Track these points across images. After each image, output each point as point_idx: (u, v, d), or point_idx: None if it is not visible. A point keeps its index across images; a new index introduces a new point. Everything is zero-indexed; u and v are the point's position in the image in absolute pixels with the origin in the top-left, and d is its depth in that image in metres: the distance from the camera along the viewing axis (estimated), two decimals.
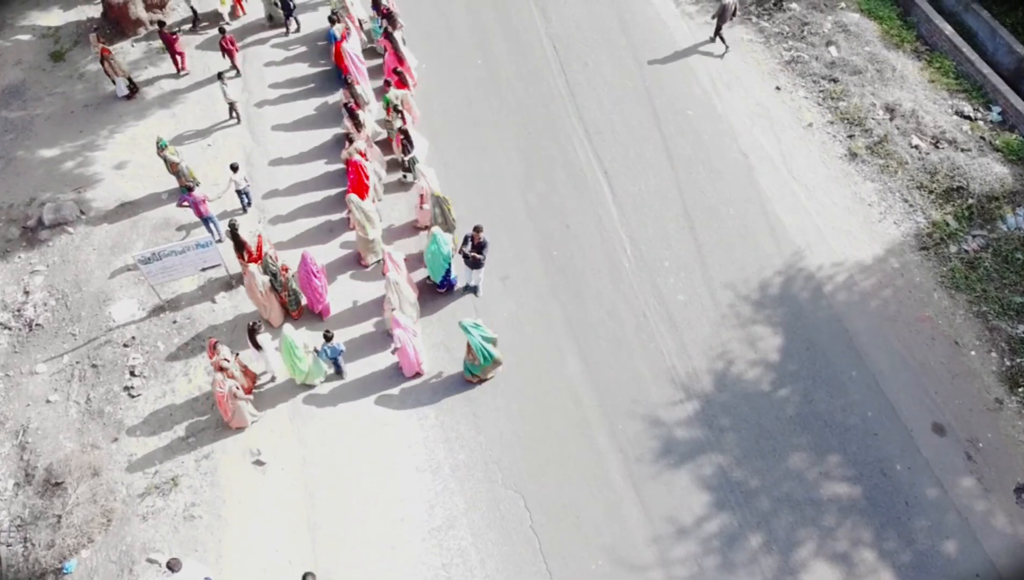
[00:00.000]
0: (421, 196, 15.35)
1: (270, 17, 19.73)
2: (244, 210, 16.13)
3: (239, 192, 15.69)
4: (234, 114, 17.16)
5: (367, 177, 15.27)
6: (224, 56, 18.38)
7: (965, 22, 19.99)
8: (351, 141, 15.73)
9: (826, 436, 13.30)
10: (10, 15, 20.04)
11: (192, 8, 19.39)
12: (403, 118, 16.08)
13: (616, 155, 17.19)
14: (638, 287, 15.21)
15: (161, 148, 15.78)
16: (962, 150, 16.90)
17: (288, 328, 13.40)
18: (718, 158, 17.13)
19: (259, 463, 13.07)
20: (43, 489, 12.80)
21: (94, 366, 14.25)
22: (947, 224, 15.98)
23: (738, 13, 19.32)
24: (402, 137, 15.87)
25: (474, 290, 15.09)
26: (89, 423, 13.59)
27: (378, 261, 15.35)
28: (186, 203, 15.42)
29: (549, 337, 14.57)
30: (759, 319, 14.80)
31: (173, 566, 10.82)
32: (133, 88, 18.33)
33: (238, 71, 18.70)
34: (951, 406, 13.68)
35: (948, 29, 19.37)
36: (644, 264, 15.52)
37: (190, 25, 19.67)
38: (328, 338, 13.25)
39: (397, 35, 17.49)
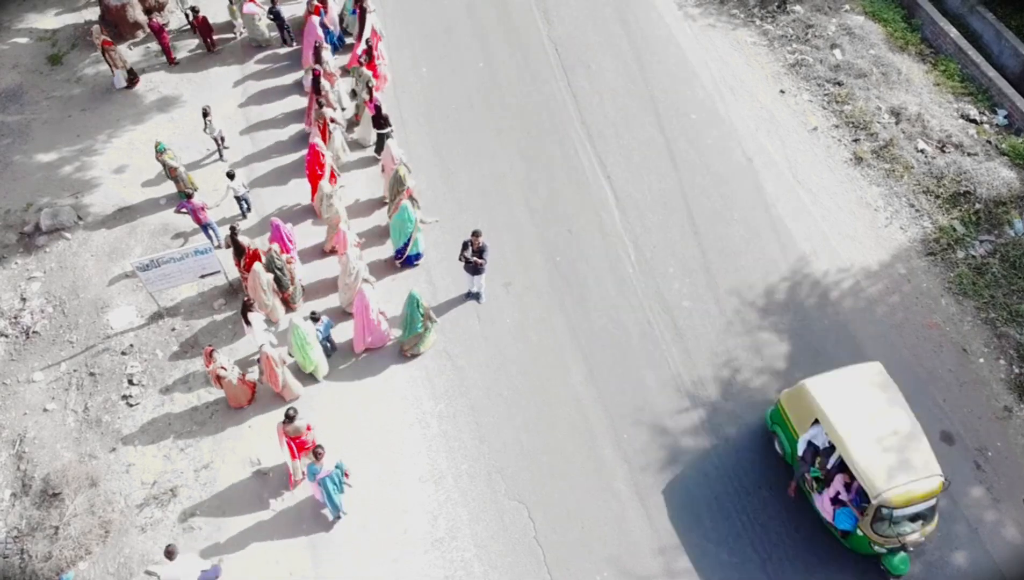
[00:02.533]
0: (384, 167, 15.81)
1: (257, 42, 19.21)
2: (244, 216, 15.96)
3: (238, 198, 15.51)
4: (220, 149, 16.87)
5: (322, 164, 15.50)
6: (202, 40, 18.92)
7: (970, 25, 19.84)
8: (321, 105, 16.02)
9: None
10: (7, 18, 19.86)
11: (186, 13, 19.08)
12: (371, 94, 16.26)
13: (619, 159, 17.02)
14: (642, 293, 15.04)
15: (160, 152, 15.61)
16: (968, 154, 16.74)
17: (297, 318, 13.37)
18: (722, 162, 16.97)
19: (260, 473, 12.90)
20: (40, 500, 12.62)
21: (92, 374, 14.07)
22: (954, 229, 15.82)
23: None
24: (375, 109, 16.14)
25: (476, 297, 14.93)
26: (87, 432, 13.41)
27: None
28: (184, 210, 15.24)
29: (553, 345, 14.40)
30: (765, 326, 14.64)
31: (170, 552, 10.66)
32: (132, 79, 18.24)
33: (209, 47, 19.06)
34: (959, 414, 13.52)
35: (953, 32, 19.22)
36: (648, 270, 15.35)
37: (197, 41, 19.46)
38: (315, 318, 13.51)
39: (370, 20, 17.61)
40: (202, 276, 14.43)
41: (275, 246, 14.16)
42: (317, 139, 15.69)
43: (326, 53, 17.32)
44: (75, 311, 14.88)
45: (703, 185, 16.60)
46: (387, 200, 15.87)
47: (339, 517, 12.36)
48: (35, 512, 12.50)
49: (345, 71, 18.12)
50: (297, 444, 12.37)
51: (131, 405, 13.68)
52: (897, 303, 14.96)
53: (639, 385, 13.90)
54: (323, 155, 15.52)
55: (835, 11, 19.62)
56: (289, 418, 12.02)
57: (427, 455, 13.09)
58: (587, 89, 18.29)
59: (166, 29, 18.69)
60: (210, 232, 15.50)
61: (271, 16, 18.72)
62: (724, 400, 13.72)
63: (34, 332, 14.64)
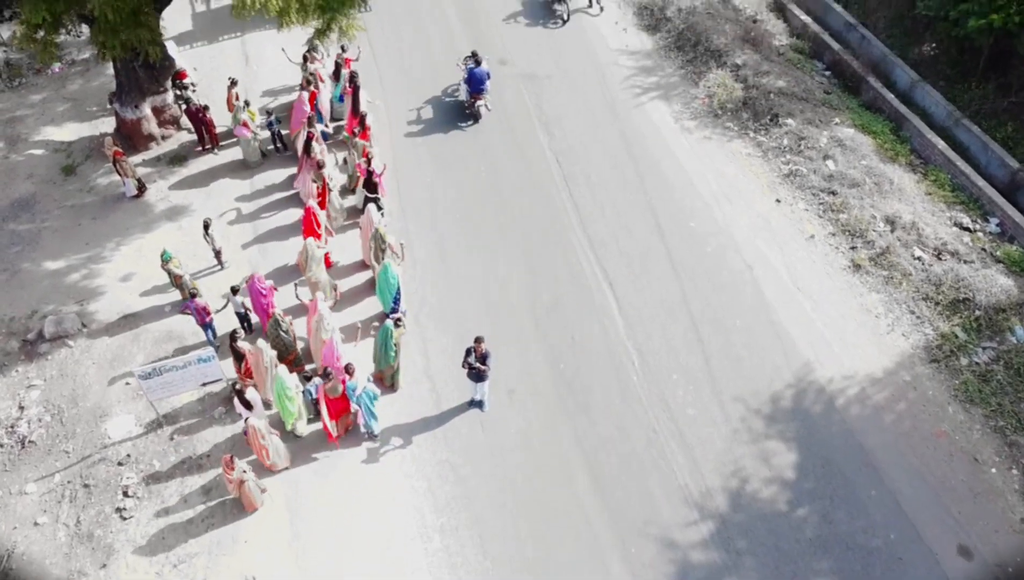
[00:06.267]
0: (362, 227, 16.61)
1: (249, 162, 19.60)
2: (246, 331, 15.81)
3: (238, 314, 15.54)
4: (220, 261, 17.17)
5: (318, 223, 16.32)
6: (205, 134, 19.56)
7: (956, 136, 20.52)
8: (320, 166, 17.03)
9: (849, 560, 12.74)
10: (25, 131, 20.50)
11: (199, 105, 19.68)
12: (368, 161, 17.24)
13: (621, 266, 17.24)
14: (647, 401, 14.93)
15: (165, 261, 15.80)
16: (965, 261, 16.98)
17: (282, 369, 13.62)
18: (722, 269, 17.18)
19: None
20: None
21: (86, 486, 13.76)
22: (956, 336, 15.87)
23: None
24: (366, 174, 17.09)
25: (479, 405, 14.79)
26: (77, 547, 12.99)
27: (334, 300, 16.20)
28: (188, 310, 15.38)
29: (557, 453, 14.18)
30: (772, 434, 14.46)
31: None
32: (141, 188, 18.69)
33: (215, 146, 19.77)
34: (976, 527, 13.18)
35: (941, 144, 19.86)
36: (652, 377, 15.29)
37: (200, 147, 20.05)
38: (307, 378, 13.81)
39: (363, 97, 18.84)
40: (204, 384, 14.37)
41: (278, 310, 14.73)
42: (312, 201, 16.57)
43: (319, 127, 18.28)
44: (73, 420, 14.70)
45: (704, 292, 16.74)
46: (368, 261, 16.62)
47: (375, 436, 14.16)
48: None
49: (340, 143, 19.24)
50: (333, 406, 13.62)
51: (125, 518, 13.32)
52: (904, 411, 14.83)
53: (646, 496, 13.60)
54: (317, 216, 16.27)
55: (826, 124, 20.32)
56: (327, 376, 13.46)
57: (429, 572, 12.66)
58: (588, 198, 18.72)
59: (207, 114, 19.38)
60: (210, 334, 15.55)
61: (267, 125, 19.34)
62: (733, 512, 13.40)
63: (30, 442, 14.41)
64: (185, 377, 13.97)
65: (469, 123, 20.68)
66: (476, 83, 19.90)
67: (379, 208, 16.93)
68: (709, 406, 14.87)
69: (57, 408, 14.89)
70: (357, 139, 18.15)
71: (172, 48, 20.65)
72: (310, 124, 18.03)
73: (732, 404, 14.90)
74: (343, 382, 13.55)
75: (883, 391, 15.12)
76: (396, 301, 15.63)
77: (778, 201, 18.79)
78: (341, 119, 19.93)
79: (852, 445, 14.28)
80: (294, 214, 18.29)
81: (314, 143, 17.59)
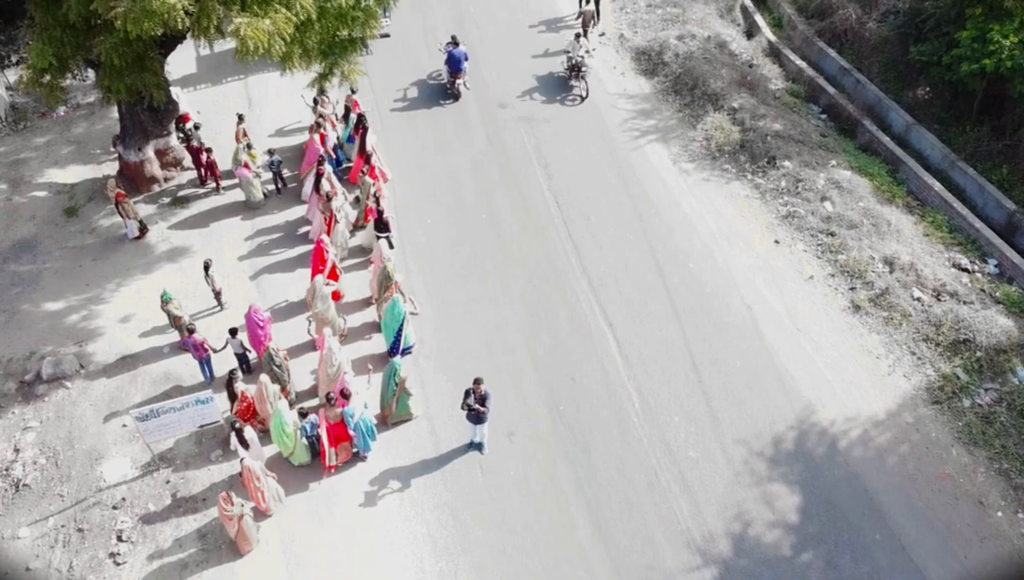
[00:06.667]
0: (373, 263, 17.00)
1: (251, 203, 19.73)
2: (245, 372, 15.73)
3: (237, 355, 15.50)
4: (220, 302, 17.19)
5: (325, 258, 16.56)
6: (206, 175, 19.90)
7: (952, 178, 20.72)
8: (329, 199, 17.50)
9: None
10: (29, 173, 20.66)
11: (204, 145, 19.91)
12: (377, 201, 17.79)
13: (621, 307, 17.23)
14: (648, 443, 14.80)
15: (165, 302, 15.81)
16: (964, 302, 16.99)
17: (283, 403, 13.81)
18: (722, 310, 17.18)
19: None
20: None
21: (80, 530, 13.56)
22: (957, 377, 15.80)
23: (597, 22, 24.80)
24: (376, 214, 17.58)
25: (479, 447, 14.66)
26: None
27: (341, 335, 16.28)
28: (185, 346, 15.45)
29: (558, 497, 14.01)
30: (775, 477, 14.30)
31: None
32: (143, 230, 18.79)
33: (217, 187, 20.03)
34: (984, 573, 12.97)
35: (937, 185, 20.03)
36: (653, 419, 15.18)
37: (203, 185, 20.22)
38: (303, 415, 13.89)
39: (370, 139, 19.26)
40: (201, 426, 14.26)
41: (272, 344, 14.85)
42: (324, 235, 17.02)
43: (328, 166, 18.67)
44: (68, 462, 14.55)
45: (704, 333, 16.71)
46: (375, 298, 16.70)
47: (365, 456, 14.37)
48: None
49: (349, 183, 19.55)
50: (333, 432, 13.80)
51: (118, 563, 13.10)
52: (907, 453, 14.70)
53: (648, 540, 13.40)
54: (327, 251, 16.56)
55: (823, 166, 20.51)
56: (330, 400, 13.77)
57: None
58: (587, 239, 18.80)
59: (211, 156, 19.68)
60: (206, 369, 15.53)
61: (269, 165, 19.51)
62: (737, 557, 13.19)
63: (24, 485, 14.24)
64: (182, 419, 13.88)
65: (450, 101, 22.78)
66: (455, 63, 22.20)
67: (391, 245, 17.25)
68: (711, 448, 14.74)
69: (53, 450, 14.75)
70: (366, 177, 18.60)
71: (176, 91, 20.95)
72: (320, 163, 18.46)
73: (734, 446, 14.78)
74: (341, 406, 13.78)
75: (886, 433, 15.01)
76: (397, 338, 15.68)
77: (777, 242, 18.87)
78: (351, 160, 20.30)
79: (856, 488, 14.12)
80: (294, 254, 18.40)
81: (323, 180, 18.01)
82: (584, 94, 22.83)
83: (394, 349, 15.77)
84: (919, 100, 23.56)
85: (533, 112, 22.39)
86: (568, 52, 23.08)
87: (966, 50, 20.20)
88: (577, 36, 22.81)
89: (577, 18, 24.92)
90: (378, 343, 16.43)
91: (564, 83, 23.19)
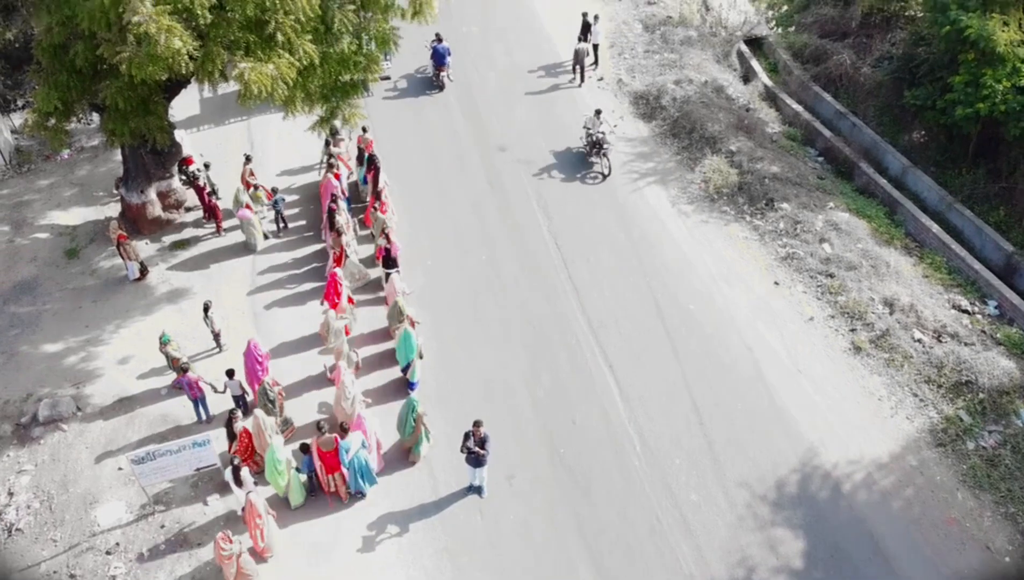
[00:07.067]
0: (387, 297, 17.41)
1: (252, 244, 19.77)
2: (244, 415, 15.63)
3: (235, 398, 15.41)
4: (219, 343, 17.18)
5: (340, 291, 16.85)
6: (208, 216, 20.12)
7: (950, 220, 20.84)
8: (340, 233, 17.93)
9: None
10: (31, 215, 20.78)
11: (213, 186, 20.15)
12: (387, 238, 18.00)
13: (621, 349, 17.18)
14: (649, 487, 14.63)
15: (164, 343, 15.79)
16: (965, 344, 16.95)
17: (277, 440, 13.82)
18: (723, 352, 17.12)
19: None
20: None
21: (72, 576, 13.36)
22: (961, 419, 15.69)
23: (590, 59, 25.16)
24: (384, 252, 17.97)
25: (478, 491, 14.48)
26: None
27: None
28: (179, 385, 15.39)
29: (558, 542, 13.80)
30: (778, 521, 14.11)
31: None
32: (143, 271, 18.85)
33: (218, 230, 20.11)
34: None
35: (935, 228, 20.13)
36: (654, 462, 15.03)
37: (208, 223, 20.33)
38: (304, 450, 13.92)
39: (381, 178, 19.61)
40: (198, 469, 14.12)
41: (268, 378, 15.02)
42: (337, 269, 17.24)
43: (342, 202, 19.04)
44: (62, 507, 14.37)
45: (705, 374, 16.64)
46: (392, 331, 16.95)
47: (362, 495, 14.25)
48: None
49: (362, 223, 20.13)
50: (326, 461, 13.76)
51: None
52: (912, 497, 14.52)
53: None
54: (341, 284, 16.89)
55: (821, 208, 20.63)
56: (320, 429, 13.81)
57: None
58: (587, 280, 18.82)
59: (213, 200, 19.94)
60: (200, 409, 15.47)
61: (273, 205, 19.65)
62: None
63: (17, 530, 14.04)
64: (179, 462, 13.76)
65: (435, 91, 24.80)
66: (439, 58, 24.45)
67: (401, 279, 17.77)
68: (713, 491, 14.56)
69: (47, 494, 14.58)
70: (379, 213, 18.97)
71: (180, 134, 21.17)
72: (333, 200, 18.75)
73: (736, 489, 14.60)
74: (336, 439, 13.75)
75: (890, 476, 14.84)
76: (404, 370, 16.07)
77: (776, 283, 18.89)
78: (365, 200, 20.70)
79: (861, 533, 13.92)
80: (294, 293, 18.47)
81: (337, 216, 18.39)
82: (606, 172, 21.79)
83: (406, 370, 16.15)
84: (915, 143, 23.81)
85: (532, 155, 22.59)
86: (588, 128, 21.96)
87: (960, 94, 20.46)
88: (598, 112, 21.82)
89: (573, 58, 25.30)
90: (392, 374, 16.60)
91: (583, 159, 22.21)
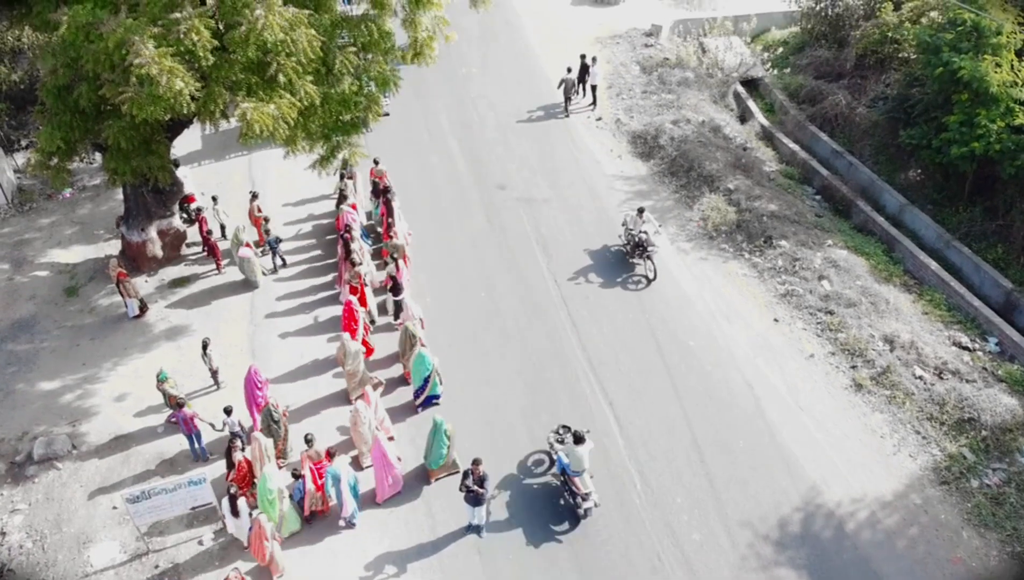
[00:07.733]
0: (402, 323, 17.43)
1: (251, 282, 19.74)
2: (242, 448, 15.55)
3: (233, 434, 15.31)
4: (216, 381, 17.13)
5: (356, 318, 16.94)
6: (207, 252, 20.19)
7: (948, 258, 20.91)
8: (355, 264, 18.10)
9: None
10: (31, 253, 20.85)
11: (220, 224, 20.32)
12: (397, 265, 18.16)
13: (621, 386, 17.10)
14: (650, 526, 14.43)
15: (161, 381, 15.73)
16: (967, 381, 16.86)
17: (269, 468, 13.73)
18: (723, 389, 17.03)
19: None
20: None
21: None
22: (964, 457, 15.54)
23: (586, 99, 25.86)
24: (391, 281, 18.02)
25: (477, 531, 14.29)
26: None
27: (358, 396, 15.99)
28: (175, 419, 15.30)
29: None
30: (782, 561, 13.89)
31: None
32: (143, 309, 18.88)
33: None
34: None
35: (933, 265, 20.18)
36: (655, 500, 14.85)
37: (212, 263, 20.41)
38: (297, 477, 13.97)
39: (395, 203, 20.00)
40: (193, 508, 13.94)
41: (272, 400, 15.19)
42: (352, 297, 17.32)
43: (356, 231, 19.24)
44: (55, 547, 14.16)
45: (706, 412, 16.53)
46: (401, 355, 17.09)
47: (352, 524, 14.20)
48: None
49: (376, 253, 20.34)
50: (318, 470, 13.92)
51: None
52: (917, 536, 14.32)
53: None
54: (357, 311, 16.97)
55: (819, 246, 20.71)
56: (308, 442, 14.10)
57: None
58: (587, 318, 18.80)
59: (212, 238, 20.14)
60: (196, 446, 15.37)
61: (269, 244, 19.73)
62: None
63: (9, 570, 13.81)
64: (174, 501, 13.60)
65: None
66: None
67: (398, 307, 18.13)
68: (715, 531, 14.36)
69: (40, 534, 14.38)
70: (395, 238, 19.43)
71: (183, 172, 21.35)
72: (347, 230, 18.91)
73: (739, 528, 14.40)
74: (321, 463, 14.05)
75: (894, 515, 14.66)
76: (423, 386, 16.23)
77: (776, 320, 18.87)
78: (379, 231, 20.98)
79: (866, 573, 13.70)
80: (293, 329, 18.45)
81: (352, 245, 18.66)
82: (652, 276, 19.61)
83: (417, 394, 16.38)
84: (911, 182, 23.99)
85: (532, 193, 22.75)
86: (628, 227, 20.03)
87: (955, 134, 20.68)
88: (640, 211, 19.75)
89: (559, 86, 25.65)
90: (403, 395, 16.85)
91: (622, 260, 20.35)
